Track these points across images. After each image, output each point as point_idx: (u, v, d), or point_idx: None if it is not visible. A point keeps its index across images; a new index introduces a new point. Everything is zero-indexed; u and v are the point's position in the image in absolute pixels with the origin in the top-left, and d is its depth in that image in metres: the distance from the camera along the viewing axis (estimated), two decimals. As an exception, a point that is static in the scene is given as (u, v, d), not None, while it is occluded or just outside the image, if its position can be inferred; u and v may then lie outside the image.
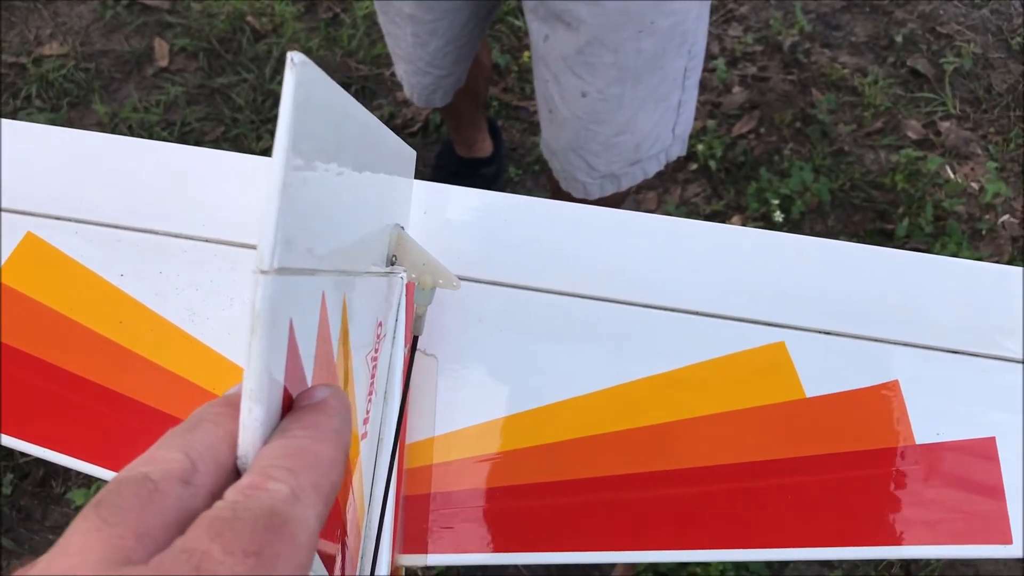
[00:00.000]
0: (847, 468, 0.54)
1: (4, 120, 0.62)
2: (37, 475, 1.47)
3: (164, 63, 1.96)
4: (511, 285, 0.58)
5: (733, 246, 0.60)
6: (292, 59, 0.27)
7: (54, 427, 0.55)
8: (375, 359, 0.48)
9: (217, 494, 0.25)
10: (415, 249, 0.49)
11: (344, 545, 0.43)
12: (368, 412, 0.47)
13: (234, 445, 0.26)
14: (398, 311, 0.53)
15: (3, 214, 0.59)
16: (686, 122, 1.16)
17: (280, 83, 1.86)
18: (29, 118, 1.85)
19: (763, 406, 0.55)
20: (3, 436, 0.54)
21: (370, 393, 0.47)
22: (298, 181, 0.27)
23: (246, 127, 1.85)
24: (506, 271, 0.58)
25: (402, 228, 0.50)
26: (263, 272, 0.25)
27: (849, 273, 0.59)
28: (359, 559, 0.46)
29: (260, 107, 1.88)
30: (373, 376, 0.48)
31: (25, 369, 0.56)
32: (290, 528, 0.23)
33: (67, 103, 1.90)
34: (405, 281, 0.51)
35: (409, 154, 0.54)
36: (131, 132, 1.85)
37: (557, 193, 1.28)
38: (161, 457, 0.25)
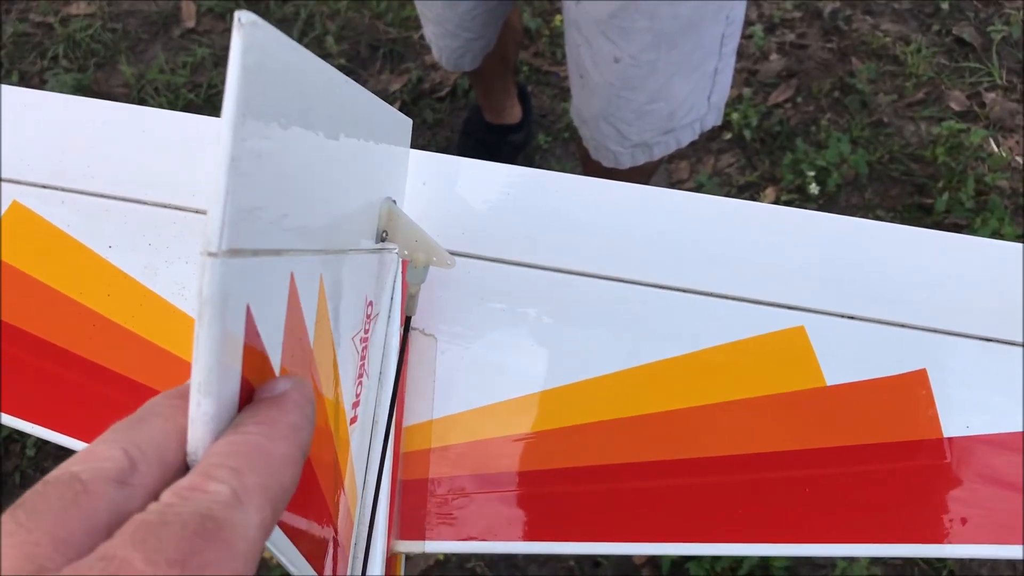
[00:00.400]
0: (868, 461, 0.51)
1: (2, 86, 0.60)
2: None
3: (191, 24, 1.94)
4: (516, 263, 0.55)
5: (751, 224, 0.56)
6: (239, 19, 0.24)
7: (39, 400, 0.53)
8: (365, 340, 0.46)
9: (159, 495, 0.23)
10: (407, 224, 0.46)
11: (336, 536, 0.42)
12: (358, 396, 0.45)
13: (183, 441, 0.25)
14: (393, 289, 0.51)
15: None
16: (722, 90, 1.12)
17: (308, 45, 1.85)
18: (56, 79, 1.84)
19: (779, 394, 0.52)
20: None
21: (360, 376, 0.45)
22: (251, 154, 0.25)
23: (273, 90, 1.82)
24: (510, 248, 0.55)
25: (393, 202, 0.47)
26: (211, 255, 0.24)
27: (874, 254, 0.55)
28: (351, 546, 0.45)
29: (287, 70, 1.85)
30: (363, 358, 0.46)
31: (10, 341, 0.54)
32: (225, 535, 0.22)
33: (94, 64, 1.89)
34: (400, 259, 0.48)
35: (403, 122, 0.51)
36: (157, 94, 1.83)
37: (587, 162, 1.25)
38: (98, 454, 0.24)
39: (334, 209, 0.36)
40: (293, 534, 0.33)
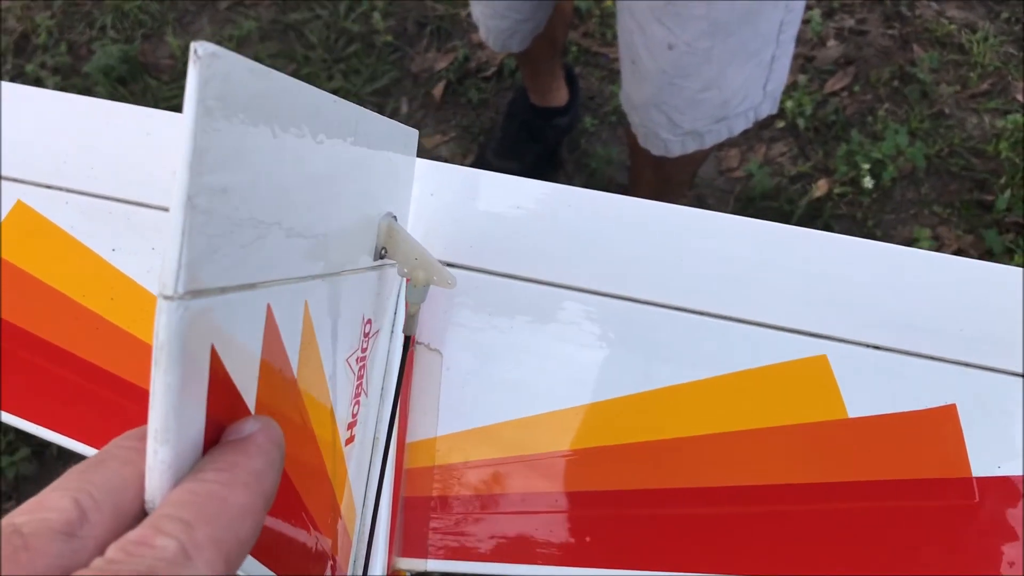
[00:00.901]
0: (891, 497, 0.49)
1: (8, 84, 0.59)
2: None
3: (239, -4, 1.93)
4: (526, 279, 0.53)
5: (774, 246, 0.53)
6: (196, 51, 0.23)
7: (38, 400, 0.53)
8: (363, 359, 0.45)
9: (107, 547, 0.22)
10: (407, 242, 0.44)
11: (334, 563, 0.41)
12: (355, 416, 0.44)
13: (142, 487, 0.24)
14: (396, 304, 0.49)
15: None
16: (779, 79, 1.08)
17: (354, 21, 1.83)
18: (103, 49, 1.84)
19: (799, 424, 0.50)
20: None
21: (357, 395, 0.44)
22: (212, 191, 0.24)
23: (318, 66, 1.81)
24: (520, 263, 0.53)
25: (394, 218, 0.45)
26: (166, 298, 0.23)
27: (904, 281, 0.52)
28: (350, 564, 0.45)
29: (333, 46, 1.84)
30: (361, 377, 0.45)
31: (11, 340, 0.54)
32: None
33: (141, 35, 1.89)
34: (402, 278, 0.47)
35: (408, 134, 0.49)
36: (203, 67, 1.82)
37: (635, 149, 1.22)
38: (46, 504, 0.23)
39: (324, 230, 0.35)
40: (281, 568, 0.32)
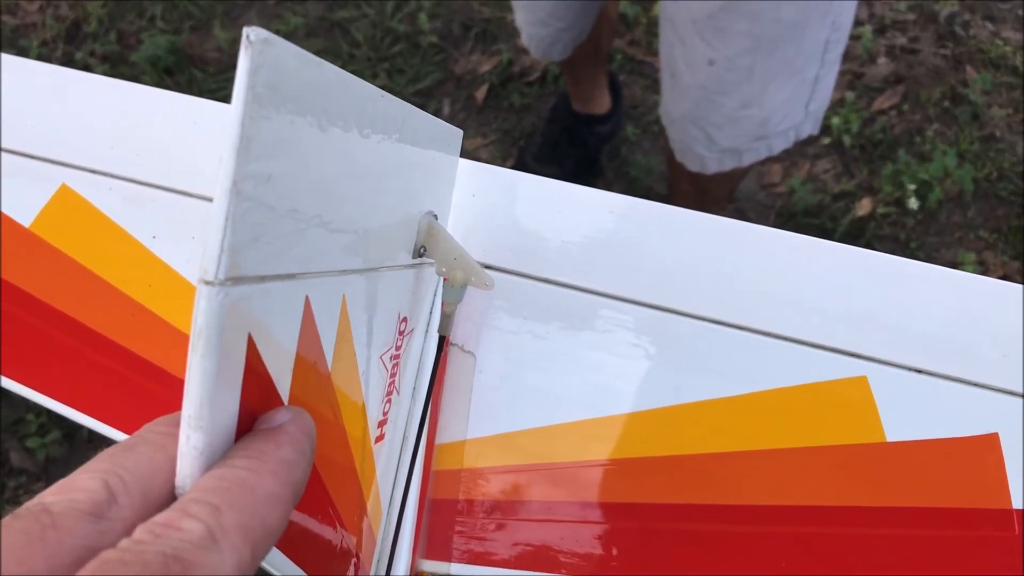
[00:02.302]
0: (927, 525, 0.47)
1: (59, 67, 0.59)
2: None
3: (287, -8, 1.94)
4: (564, 284, 0.52)
5: (816, 262, 0.51)
6: (248, 36, 0.22)
7: (73, 383, 0.53)
8: (396, 357, 0.45)
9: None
10: (447, 241, 0.44)
11: (357, 559, 0.41)
12: (385, 414, 0.44)
13: (172, 473, 0.24)
14: (432, 303, 0.49)
15: (40, 164, 0.57)
16: (822, 99, 1.06)
17: (401, 20, 1.83)
18: (151, 39, 1.86)
19: (835, 445, 0.48)
20: (25, 388, 0.53)
21: (389, 393, 0.44)
22: (257, 178, 0.24)
23: (362, 64, 1.81)
24: (559, 268, 0.52)
25: (434, 217, 0.44)
26: (207, 283, 0.23)
27: (947, 304, 0.50)
28: (373, 563, 0.45)
29: (378, 44, 1.84)
30: (394, 375, 0.45)
31: (48, 322, 0.54)
32: None
33: (189, 27, 1.91)
34: (440, 277, 0.46)
35: (453, 133, 0.48)
36: (249, 60, 1.84)
37: (671, 163, 1.21)
38: (75, 485, 0.23)
39: (364, 225, 0.35)
40: (306, 563, 0.32)
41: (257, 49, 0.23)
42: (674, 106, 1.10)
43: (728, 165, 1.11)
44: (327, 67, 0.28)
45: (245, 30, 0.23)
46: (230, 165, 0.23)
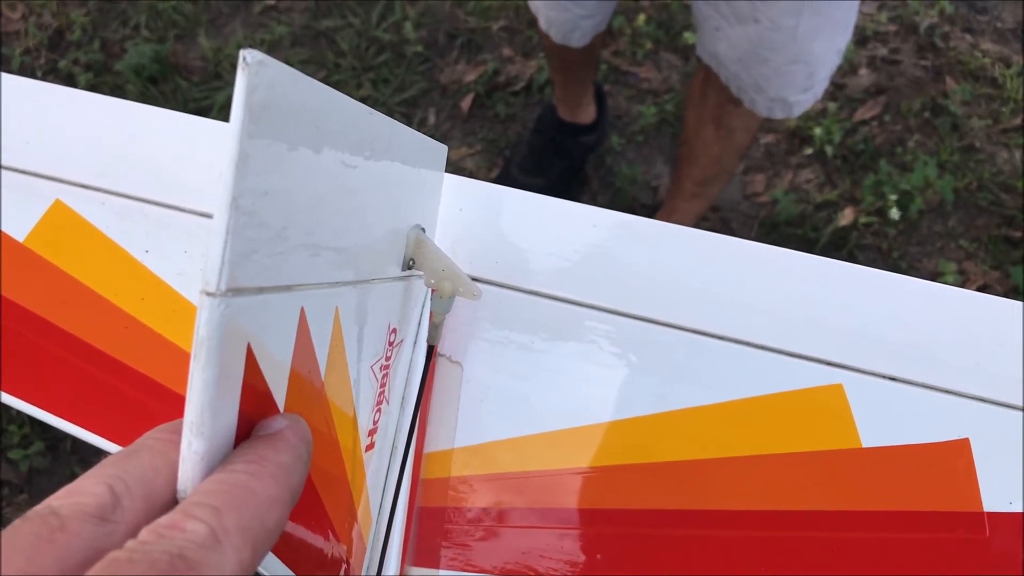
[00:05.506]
0: (901, 528, 0.49)
1: (43, 83, 0.60)
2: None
3: (272, 1, 1.94)
4: (548, 296, 0.53)
5: (793, 273, 0.53)
6: (245, 58, 0.24)
7: (64, 395, 0.54)
8: (386, 368, 0.46)
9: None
10: (434, 253, 0.45)
11: (347, 566, 0.42)
12: (375, 423, 0.45)
13: (174, 477, 0.25)
14: (421, 315, 0.50)
15: (35, 179, 0.58)
16: (848, 35, 1.11)
17: (386, 30, 1.84)
18: (135, 48, 1.86)
19: (812, 452, 0.50)
20: (20, 401, 0.54)
21: (379, 403, 0.45)
22: (255, 193, 0.25)
23: (347, 73, 1.82)
24: (544, 281, 0.53)
25: (422, 230, 0.45)
26: (208, 294, 0.24)
27: (923, 314, 0.51)
28: (364, 569, 0.46)
29: (363, 54, 1.84)
30: (383, 385, 0.45)
31: (41, 335, 0.55)
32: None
33: (173, 35, 1.90)
34: (429, 289, 0.47)
35: (437, 149, 0.50)
36: (233, 69, 1.84)
37: (694, 100, 1.23)
38: (81, 489, 0.24)
39: (355, 239, 0.36)
40: (298, 568, 0.33)
41: (253, 70, 0.24)
42: (723, 51, 1.12)
43: (778, 114, 1.15)
44: (319, 86, 0.28)
45: (242, 52, 0.24)
46: (229, 180, 0.24)
